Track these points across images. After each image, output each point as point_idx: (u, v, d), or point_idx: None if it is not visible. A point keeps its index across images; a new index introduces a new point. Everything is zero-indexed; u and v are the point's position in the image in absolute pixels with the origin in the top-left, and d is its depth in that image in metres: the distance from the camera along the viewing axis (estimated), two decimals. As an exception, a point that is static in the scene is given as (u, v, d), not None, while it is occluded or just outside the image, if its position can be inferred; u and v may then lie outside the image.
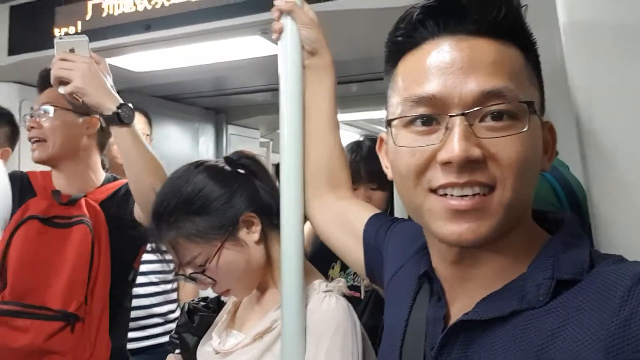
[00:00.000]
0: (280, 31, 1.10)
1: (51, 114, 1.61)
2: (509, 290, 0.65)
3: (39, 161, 1.64)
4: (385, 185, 1.78)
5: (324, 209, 1.10)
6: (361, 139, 1.90)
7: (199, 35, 1.86)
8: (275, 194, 1.23)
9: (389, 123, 0.70)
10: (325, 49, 1.12)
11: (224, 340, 1.21)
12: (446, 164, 0.62)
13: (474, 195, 0.62)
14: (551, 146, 0.70)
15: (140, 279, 2.24)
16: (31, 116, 1.65)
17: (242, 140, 3.86)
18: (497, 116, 0.62)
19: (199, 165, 1.19)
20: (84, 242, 1.55)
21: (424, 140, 0.65)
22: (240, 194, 1.16)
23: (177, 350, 1.36)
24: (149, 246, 2.24)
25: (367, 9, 1.65)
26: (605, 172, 0.73)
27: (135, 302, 2.20)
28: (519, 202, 0.64)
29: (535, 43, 0.69)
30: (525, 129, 0.62)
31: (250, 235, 1.15)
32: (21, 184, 1.67)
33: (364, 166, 1.77)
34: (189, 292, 2.41)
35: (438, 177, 0.63)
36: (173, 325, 2.32)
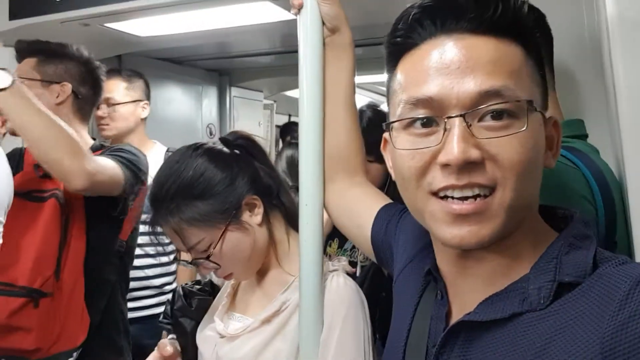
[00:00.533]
0: (300, 6, 1.05)
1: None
2: (511, 292, 0.65)
3: (12, 134, 1.67)
4: (382, 157, 1.72)
5: (337, 194, 1.08)
6: (363, 107, 1.84)
7: (207, 1, 1.79)
8: (273, 174, 1.22)
9: (388, 125, 0.70)
10: (346, 27, 1.08)
11: (226, 323, 1.19)
12: (445, 165, 0.62)
13: (474, 197, 0.62)
14: (556, 142, 0.69)
15: (136, 251, 2.24)
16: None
17: (245, 102, 3.80)
18: (496, 115, 0.62)
19: (197, 148, 1.16)
20: (54, 216, 1.55)
21: (423, 142, 0.65)
22: (241, 176, 1.14)
23: (171, 336, 1.32)
24: (143, 217, 2.24)
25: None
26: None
27: (132, 274, 2.21)
28: (521, 203, 0.63)
29: (536, 37, 0.68)
30: (524, 128, 0.62)
31: (253, 217, 1.14)
32: (18, 162, 1.68)
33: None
34: (186, 273, 2.39)
35: (438, 179, 0.63)
36: (169, 297, 2.33)
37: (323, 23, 1.06)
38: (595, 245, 0.64)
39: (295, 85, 4.22)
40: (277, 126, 4.88)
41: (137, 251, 2.19)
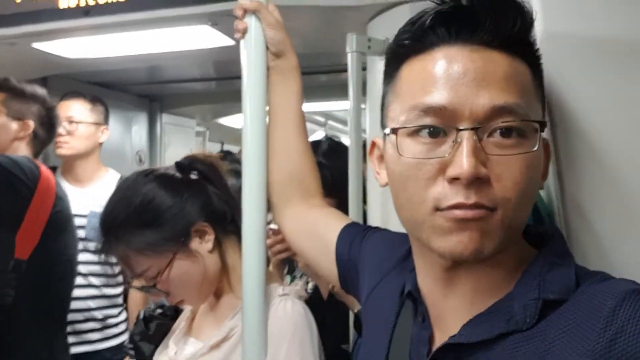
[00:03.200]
0: (244, 31, 1.05)
1: None
2: (496, 312, 0.63)
3: None
4: (337, 193, 1.68)
5: (294, 218, 1.07)
6: (322, 138, 1.83)
7: (143, 24, 1.77)
8: (229, 199, 1.20)
9: (394, 131, 0.66)
10: (291, 51, 1.09)
11: (181, 348, 1.18)
12: (454, 180, 0.60)
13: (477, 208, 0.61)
14: (546, 164, 0.69)
15: (78, 280, 2.12)
16: None
17: (177, 129, 3.74)
18: (506, 133, 0.61)
19: (148, 174, 1.14)
20: None
21: (431, 152, 0.62)
22: (192, 202, 1.12)
23: None
24: (90, 246, 2.15)
25: (314, 5, 1.64)
26: (594, 176, 0.75)
27: (72, 305, 2.11)
28: (518, 222, 0.63)
29: (540, 58, 0.68)
30: (535, 149, 0.61)
31: (203, 244, 1.13)
32: None
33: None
34: (138, 298, 2.30)
35: (446, 196, 0.61)
36: (114, 331, 2.25)
37: (267, 48, 1.07)
38: (574, 262, 0.65)
39: (228, 113, 4.23)
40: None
41: (80, 281, 2.13)
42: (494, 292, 0.65)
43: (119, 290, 2.29)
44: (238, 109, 3.85)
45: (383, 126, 0.72)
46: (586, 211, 0.77)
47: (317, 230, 1.03)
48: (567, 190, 0.78)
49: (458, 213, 0.60)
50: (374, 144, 0.77)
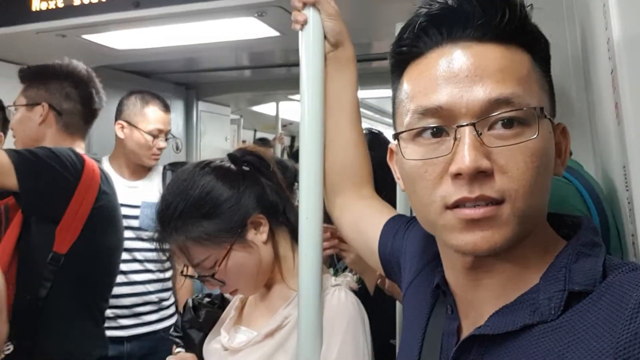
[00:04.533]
0: (304, 22, 1.06)
1: (14, 114, 1.78)
2: (521, 303, 0.64)
3: None
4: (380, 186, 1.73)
5: (344, 208, 1.09)
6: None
7: (191, 15, 1.80)
8: (280, 190, 1.22)
9: (396, 136, 0.69)
10: (348, 41, 1.10)
11: (232, 337, 1.20)
12: (457, 176, 0.61)
13: (485, 205, 0.61)
14: (564, 149, 0.69)
15: (135, 266, 2.23)
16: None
17: (212, 117, 3.78)
18: (507, 123, 0.62)
19: (205, 167, 1.16)
20: None
21: (434, 152, 0.64)
22: (248, 195, 1.15)
23: (178, 350, 1.34)
24: (145, 235, 2.22)
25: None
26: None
27: (130, 289, 2.20)
28: (531, 211, 0.63)
29: (543, 43, 0.68)
30: (535, 136, 0.61)
31: (259, 235, 1.15)
32: None
33: None
34: (185, 281, 2.41)
35: (451, 193, 0.62)
36: (167, 312, 2.35)
37: (325, 38, 1.08)
38: (604, 252, 0.64)
39: (261, 101, 4.25)
40: (244, 141, 4.88)
41: (138, 267, 2.24)
42: (521, 284, 0.65)
43: (169, 274, 2.38)
44: (271, 97, 3.89)
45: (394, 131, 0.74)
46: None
47: (364, 222, 1.05)
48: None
49: (467, 212, 0.61)
50: (391, 151, 0.79)
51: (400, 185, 0.76)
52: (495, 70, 0.62)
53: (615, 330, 0.54)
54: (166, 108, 2.37)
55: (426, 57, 0.67)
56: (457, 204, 0.62)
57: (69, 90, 1.76)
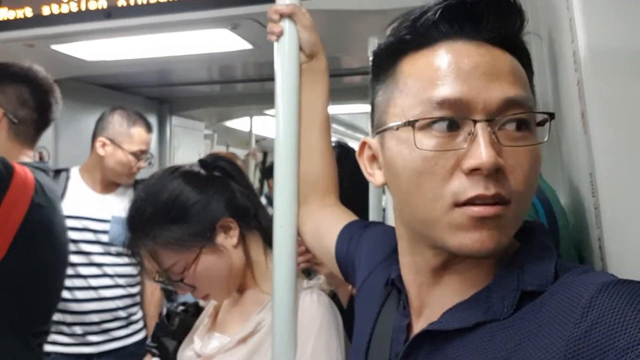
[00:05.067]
0: (280, 34, 1.08)
1: None
2: (475, 301, 0.64)
3: None
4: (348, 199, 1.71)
5: (308, 216, 1.10)
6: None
7: (164, 27, 1.79)
8: (251, 195, 1.23)
9: (410, 123, 0.64)
10: (322, 53, 1.12)
11: (206, 343, 1.20)
12: (473, 171, 0.60)
13: (494, 203, 0.61)
14: None
15: (105, 281, 2.20)
16: None
17: (186, 132, 3.76)
18: (517, 126, 0.62)
19: (174, 171, 1.17)
20: None
21: (447, 145, 0.62)
22: (217, 198, 1.15)
23: (153, 359, 1.34)
24: (113, 250, 2.18)
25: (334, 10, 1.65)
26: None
27: (100, 305, 2.17)
28: (524, 215, 0.64)
29: (529, 58, 0.69)
30: (546, 139, 0.63)
31: (229, 239, 1.15)
32: None
33: None
34: (150, 294, 2.39)
35: (465, 188, 0.60)
36: (136, 327, 2.32)
37: (300, 49, 1.09)
38: (555, 255, 0.65)
39: (234, 116, 4.24)
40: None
41: (107, 281, 2.20)
42: (478, 283, 0.66)
43: (138, 289, 2.36)
44: (245, 112, 3.87)
45: (380, 124, 0.70)
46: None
47: (324, 228, 1.06)
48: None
49: (477, 210, 0.60)
50: (364, 144, 0.76)
51: (373, 182, 0.73)
52: (509, 73, 0.63)
53: (566, 327, 0.54)
54: (149, 128, 2.37)
55: (432, 49, 0.65)
56: (470, 201, 0.61)
57: (27, 97, 1.59)
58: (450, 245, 0.63)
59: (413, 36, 0.67)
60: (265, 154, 5.81)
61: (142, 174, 3.08)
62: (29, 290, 1.52)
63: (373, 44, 1.48)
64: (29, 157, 1.63)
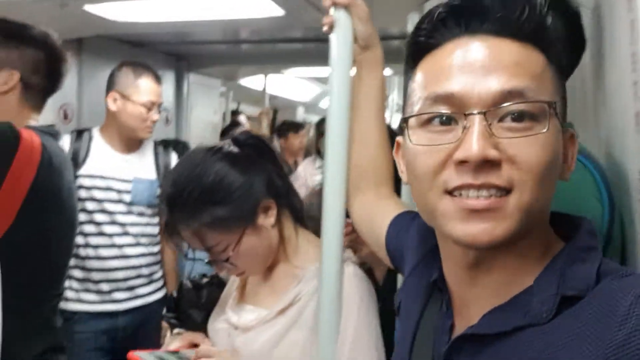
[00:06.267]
0: (333, 25, 1.07)
1: None
2: (514, 305, 0.64)
3: None
4: None
5: (361, 206, 1.12)
6: None
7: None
8: (283, 174, 1.26)
9: (405, 120, 0.68)
10: (378, 44, 1.11)
11: (239, 315, 1.23)
12: (462, 163, 0.60)
13: (489, 196, 0.60)
14: (572, 156, 0.69)
15: (128, 240, 2.23)
16: None
17: (202, 89, 3.75)
18: (518, 117, 0.61)
19: (216, 152, 1.17)
20: None
21: (441, 139, 0.63)
22: (258, 180, 1.17)
23: (177, 330, 1.35)
24: (136, 209, 2.22)
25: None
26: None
27: (124, 263, 2.22)
28: (536, 207, 0.62)
29: (560, 48, 0.68)
30: (545, 130, 0.61)
31: (268, 219, 1.17)
32: None
33: None
34: (170, 254, 2.44)
35: (453, 178, 0.61)
36: (158, 285, 2.39)
37: (355, 41, 1.08)
38: (600, 257, 0.64)
39: (248, 74, 4.22)
40: (234, 112, 4.87)
41: (130, 240, 2.24)
42: (517, 284, 0.65)
43: (159, 248, 2.40)
44: (259, 70, 3.83)
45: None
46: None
47: (377, 219, 1.06)
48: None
49: (469, 202, 0.61)
50: (398, 143, 0.78)
51: (403, 178, 0.75)
52: (510, 63, 0.62)
53: (605, 335, 0.54)
54: (158, 79, 2.33)
55: (442, 48, 0.66)
56: (460, 191, 0.61)
57: (42, 64, 1.56)
58: (449, 235, 0.64)
59: (425, 37, 0.68)
60: (275, 112, 5.79)
61: (162, 133, 3.11)
62: (38, 255, 1.52)
63: (413, 20, 1.47)
64: (35, 120, 1.61)
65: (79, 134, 2.28)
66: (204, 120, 3.74)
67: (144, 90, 2.24)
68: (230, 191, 1.13)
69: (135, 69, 2.26)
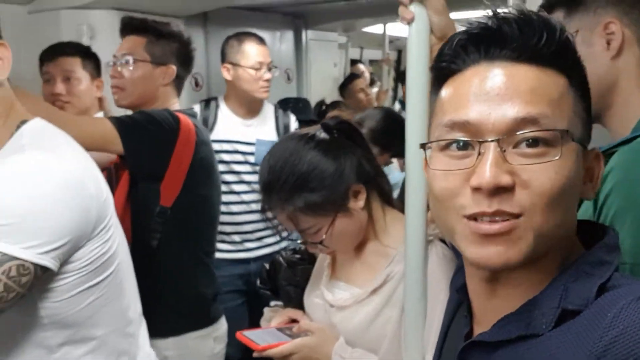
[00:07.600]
0: (411, 20, 1.08)
1: (131, 66, 1.77)
2: (520, 315, 0.66)
3: (118, 106, 1.85)
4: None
5: None
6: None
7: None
8: (371, 157, 1.32)
9: (422, 146, 0.72)
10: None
11: (332, 292, 1.30)
12: (476, 189, 0.63)
13: (502, 220, 0.63)
14: (597, 175, 0.70)
15: (255, 197, 2.44)
16: (113, 64, 1.80)
17: (320, 44, 3.86)
18: (532, 143, 0.63)
19: (308, 141, 1.25)
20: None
21: (457, 164, 0.66)
22: (348, 166, 1.23)
23: (274, 303, 1.45)
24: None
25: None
26: None
27: (253, 217, 2.46)
28: (549, 229, 0.63)
29: (581, 68, 0.69)
30: (557, 157, 0.62)
31: (358, 203, 1.24)
32: None
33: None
34: None
35: (470, 204, 0.64)
36: (282, 234, 2.58)
37: (432, 32, 1.09)
38: (609, 271, 0.65)
39: (367, 25, 4.18)
40: (354, 61, 4.92)
41: (256, 197, 2.41)
42: (530, 295, 0.67)
43: None
44: (376, 22, 3.80)
45: None
46: None
47: None
48: None
49: (482, 227, 0.63)
50: (427, 162, 0.80)
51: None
52: (526, 90, 0.64)
53: (589, 343, 0.58)
54: (261, 41, 2.51)
55: (463, 74, 0.69)
56: (473, 217, 0.64)
57: (184, 56, 1.86)
58: (465, 256, 0.68)
59: (447, 63, 0.71)
60: (399, 53, 5.70)
61: (284, 91, 3.28)
62: (200, 219, 1.86)
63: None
64: (178, 104, 1.90)
65: (207, 103, 2.58)
66: (324, 74, 3.87)
67: (248, 53, 2.45)
68: (323, 178, 1.21)
69: (239, 38, 2.49)
